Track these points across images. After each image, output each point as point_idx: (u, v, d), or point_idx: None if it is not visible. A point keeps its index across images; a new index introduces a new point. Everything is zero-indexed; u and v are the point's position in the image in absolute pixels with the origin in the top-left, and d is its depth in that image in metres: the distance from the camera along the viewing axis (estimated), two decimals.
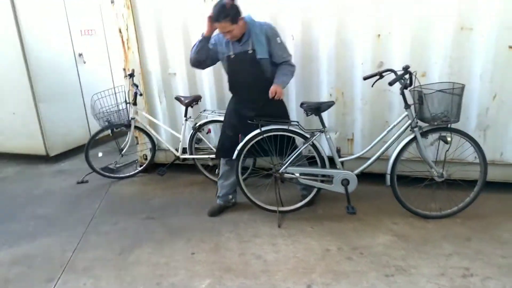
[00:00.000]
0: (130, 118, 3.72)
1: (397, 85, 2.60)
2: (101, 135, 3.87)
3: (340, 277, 2.18)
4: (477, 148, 2.66)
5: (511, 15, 2.67)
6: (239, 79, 2.79)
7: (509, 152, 2.99)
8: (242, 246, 2.60)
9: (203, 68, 2.95)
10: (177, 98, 3.49)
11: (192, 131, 3.48)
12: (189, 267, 2.40)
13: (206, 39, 2.68)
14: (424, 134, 2.64)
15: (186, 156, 3.61)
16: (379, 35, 3.01)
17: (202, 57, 2.75)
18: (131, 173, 4.01)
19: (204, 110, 3.56)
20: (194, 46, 2.74)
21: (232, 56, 2.73)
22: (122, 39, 3.71)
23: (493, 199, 3.00)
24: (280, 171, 2.80)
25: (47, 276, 2.41)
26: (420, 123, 2.63)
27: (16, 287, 2.33)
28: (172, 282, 2.26)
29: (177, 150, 3.66)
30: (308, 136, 2.76)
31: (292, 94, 3.39)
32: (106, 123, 3.69)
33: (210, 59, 2.80)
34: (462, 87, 2.49)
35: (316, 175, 2.84)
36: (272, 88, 2.68)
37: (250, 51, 2.67)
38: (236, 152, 2.86)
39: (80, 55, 4.97)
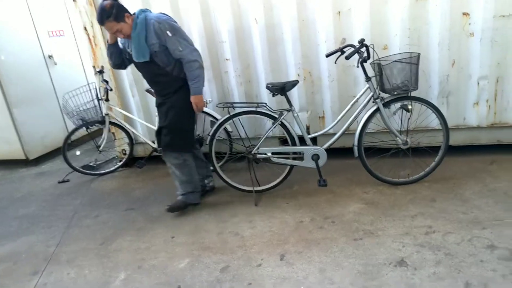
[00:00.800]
0: (103, 114, 3.75)
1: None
2: (77, 134, 3.90)
3: (312, 245, 2.30)
4: (438, 114, 2.78)
5: None
6: (143, 76, 2.82)
7: (471, 117, 3.13)
8: (220, 226, 2.69)
9: (125, 68, 2.95)
10: (148, 91, 3.53)
11: None
12: (169, 249, 2.49)
13: (112, 45, 2.70)
14: (386, 105, 2.74)
15: None
16: (339, 12, 3.08)
17: (118, 61, 2.79)
18: (111, 169, 4.06)
19: None
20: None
21: (128, 56, 2.77)
22: (89, 37, 3.72)
23: (459, 162, 3.14)
24: (253, 152, 2.89)
25: (33, 270, 2.48)
26: (383, 94, 2.74)
27: (3, 280, 2.40)
28: (153, 264, 2.35)
29: (153, 142, 3.71)
30: (276, 116, 2.84)
31: (261, 76, 3.46)
32: (80, 122, 3.71)
33: (127, 60, 2.81)
34: (418, 56, 2.59)
35: (288, 153, 2.94)
36: (192, 102, 2.68)
37: (130, 54, 2.69)
38: (208, 138, 2.94)
39: (50, 56, 4.94)
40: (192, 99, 2.68)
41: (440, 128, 2.83)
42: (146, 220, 2.95)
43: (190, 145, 2.86)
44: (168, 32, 2.53)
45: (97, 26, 3.65)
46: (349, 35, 3.13)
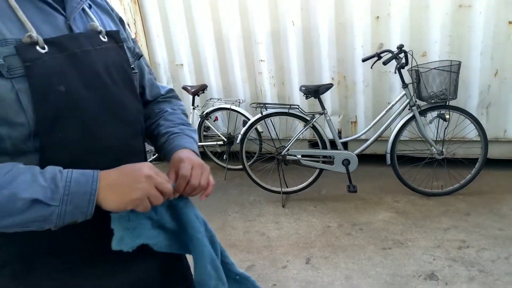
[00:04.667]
0: None
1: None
2: None
3: (338, 251, 2.28)
4: (477, 125, 2.68)
5: None
6: None
7: None
8: (247, 224, 2.72)
9: None
10: (184, 88, 3.63)
11: (199, 119, 3.62)
12: None
13: None
14: (423, 113, 2.68)
15: None
16: (377, 17, 3.04)
17: None
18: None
19: (211, 99, 3.68)
20: None
21: None
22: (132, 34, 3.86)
23: (497, 176, 3.01)
24: (283, 153, 2.91)
25: None
26: (419, 102, 2.68)
27: None
28: None
29: None
30: (308, 118, 2.84)
31: (295, 78, 3.47)
32: None
33: None
34: (459, 64, 2.52)
35: (318, 156, 2.93)
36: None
37: None
38: (239, 137, 2.99)
39: None
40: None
41: (478, 139, 2.73)
42: None
43: None
44: None
45: (139, 22, 3.79)
46: (387, 40, 3.08)
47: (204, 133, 3.73)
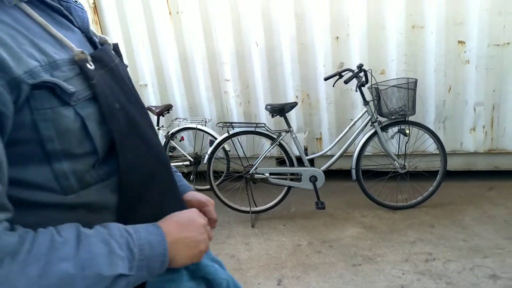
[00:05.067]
0: None
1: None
2: None
3: (310, 270, 2.25)
4: (435, 139, 2.79)
5: (457, 12, 2.85)
6: None
7: (468, 142, 3.14)
8: (216, 247, 2.63)
9: None
10: (149, 108, 3.54)
11: (165, 139, 3.52)
12: None
13: None
14: (384, 128, 2.76)
15: None
16: (337, 37, 3.14)
17: None
18: None
19: (176, 119, 3.61)
20: None
21: None
22: None
23: (457, 187, 3.13)
24: (251, 172, 2.87)
25: None
26: (380, 118, 2.76)
27: None
28: None
29: None
30: (275, 136, 2.84)
31: (260, 97, 3.48)
32: None
33: None
34: (415, 82, 2.63)
35: (286, 174, 2.92)
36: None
37: None
38: (207, 157, 2.93)
39: None
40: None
41: (438, 152, 2.84)
42: None
43: None
44: None
45: None
46: (347, 59, 3.19)
47: (170, 153, 3.64)
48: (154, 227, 0.58)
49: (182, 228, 0.61)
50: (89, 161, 0.56)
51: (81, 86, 0.54)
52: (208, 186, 3.04)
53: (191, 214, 0.65)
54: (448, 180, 2.97)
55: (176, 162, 3.61)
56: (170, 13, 3.46)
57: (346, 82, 2.58)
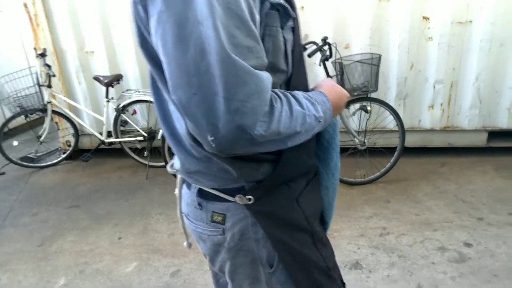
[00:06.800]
0: (45, 102, 3.41)
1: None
2: (14, 122, 3.51)
3: None
4: (395, 116, 2.80)
5: None
6: None
7: (426, 119, 3.21)
8: (171, 226, 2.53)
9: None
10: (96, 78, 3.25)
11: (115, 113, 3.28)
12: (115, 252, 2.30)
13: None
14: (346, 105, 2.72)
15: (112, 140, 3.41)
16: (302, 7, 3.01)
17: None
18: (53, 162, 3.71)
19: (127, 90, 3.35)
20: None
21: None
22: (30, 15, 3.33)
23: (413, 163, 3.21)
24: None
25: None
26: None
27: None
28: (97, 268, 2.16)
29: (101, 134, 3.43)
30: None
31: None
32: (18, 109, 3.34)
33: None
34: (379, 57, 2.59)
35: None
36: None
37: None
38: (160, 132, 2.76)
39: None
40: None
41: (397, 129, 2.86)
42: (90, 219, 2.71)
43: None
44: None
45: (39, 3, 3.28)
46: (311, 32, 3.07)
47: (121, 128, 3.40)
48: (326, 97, 0.79)
49: (336, 96, 0.82)
50: (282, 78, 0.76)
51: (287, 16, 0.72)
52: (164, 163, 2.89)
53: (339, 87, 0.86)
54: (405, 156, 3.03)
55: (129, 137, 3.40)
56: None
57: (310, 55, 2.48)
